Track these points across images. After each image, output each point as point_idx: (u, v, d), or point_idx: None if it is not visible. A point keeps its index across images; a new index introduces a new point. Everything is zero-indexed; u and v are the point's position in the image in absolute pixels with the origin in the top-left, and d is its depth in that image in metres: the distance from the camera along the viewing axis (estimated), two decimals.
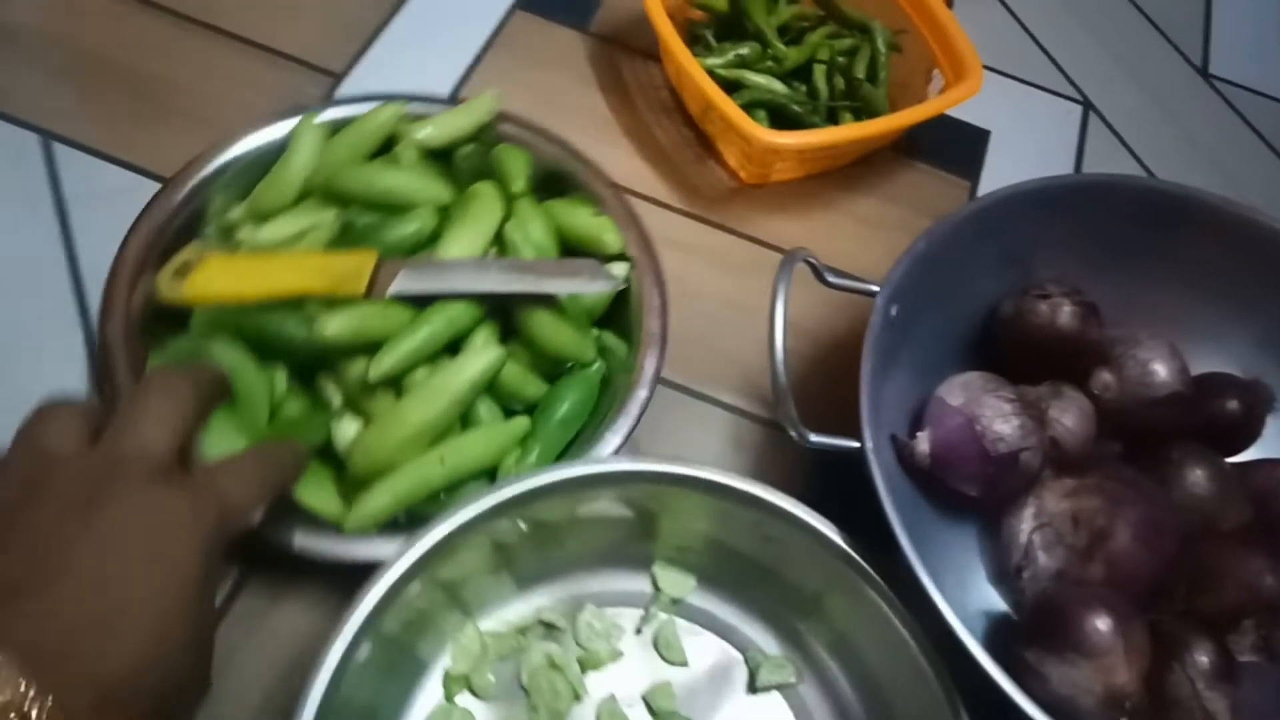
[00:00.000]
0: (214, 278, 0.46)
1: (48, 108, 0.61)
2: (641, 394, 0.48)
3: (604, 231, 0.52)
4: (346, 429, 0.46)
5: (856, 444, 0.43)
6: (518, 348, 0.49)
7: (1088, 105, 0.77)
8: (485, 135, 0.56)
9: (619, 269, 0.52)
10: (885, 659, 0.44)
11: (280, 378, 0.47)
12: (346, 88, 0.66)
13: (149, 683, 0.28)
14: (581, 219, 0.53)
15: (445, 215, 0.51)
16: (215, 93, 0.63)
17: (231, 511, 0.32)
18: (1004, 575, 0.50)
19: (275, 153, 0.52)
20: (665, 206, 0.64)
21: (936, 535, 0.51)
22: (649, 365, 0.50)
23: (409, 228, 0.50)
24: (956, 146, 0.71)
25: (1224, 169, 0.74)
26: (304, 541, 0.42)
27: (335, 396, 0.47)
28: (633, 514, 0.45)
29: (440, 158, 0.55)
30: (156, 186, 0.58)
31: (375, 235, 0.49)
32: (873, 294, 0.47)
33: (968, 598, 0.50)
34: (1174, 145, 0.75)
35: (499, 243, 0.51)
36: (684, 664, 0.46)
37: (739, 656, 0.47)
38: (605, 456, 0.45)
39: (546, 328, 0.49)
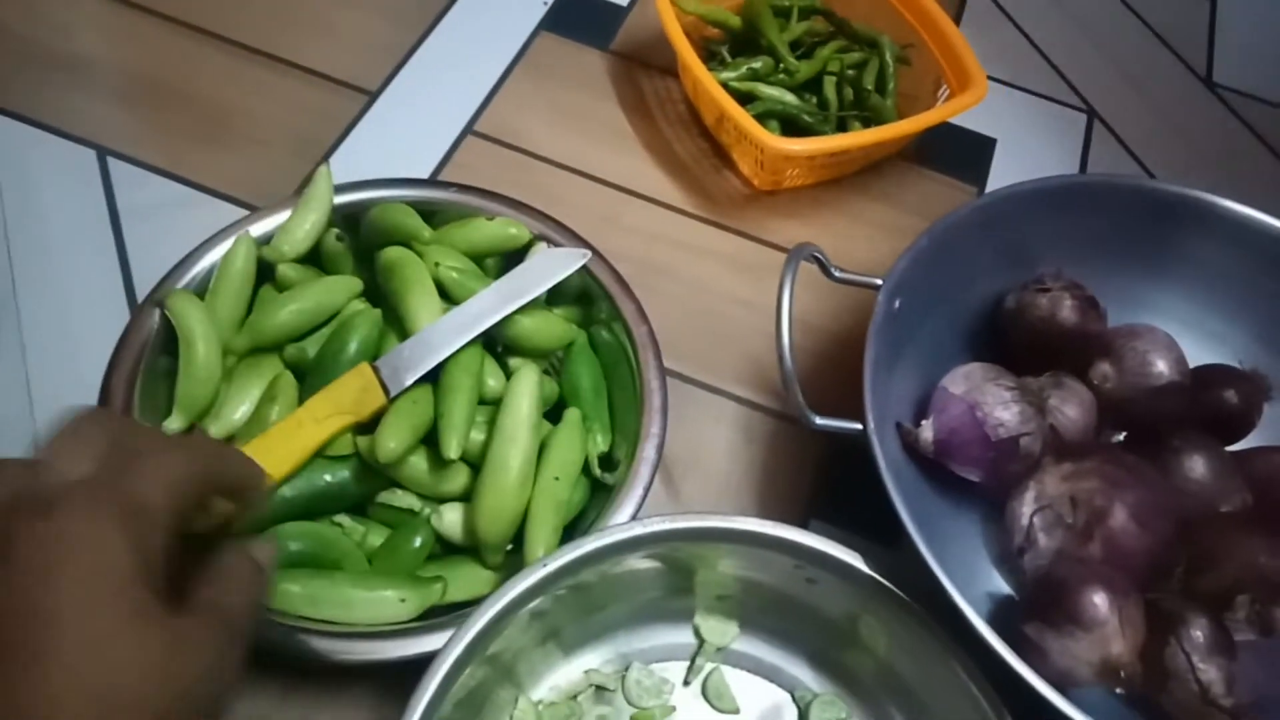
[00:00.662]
0: None
1: (105, 127, 0.65)
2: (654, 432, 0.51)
3: (508, 228, 0.55)
4: (449, 516, 0.47)
5: (859, 426, 0.45)
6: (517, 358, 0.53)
7: (1092, 113, 0.79)
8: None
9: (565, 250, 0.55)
10: (929, 683, 0.45)
11: (354, 530, 0.48)
12: (380, 105, 0.69)
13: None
14: (483, 230, 0.55)
15: (376, 298, 0.53)
16: (262, 112, 0.68)
17: (149, 509, 0.28)
18: (1007, 558, 0.52)
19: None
20: (682, 213, 0.67)
21: (942, 524, 0.53)
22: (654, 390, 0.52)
23: (359, 333, 0.50)
24: (964, 154, 0.73)
25: (1229, 175, 0.76)
26: (336, 647, 0.42)
27: (403, 500, 0.48)
28: (669, 569, 0.46)
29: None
30: (206, 199, 0.63)
31: (335, 357, 0.49)
32: (876, 287, 0.50)
33: (974, 582, 0.52)
34: (1178, 152, 0.77)
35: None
36: (735, 711, 0.47)
37: (787, 697, 0.48)
38: (638, 520, 0.44)
39: (537, 329, 0.52)
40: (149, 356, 0.50)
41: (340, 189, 0.56)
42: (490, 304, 0.50)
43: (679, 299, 0.62)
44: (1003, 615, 0.49)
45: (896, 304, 0.50)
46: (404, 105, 0.70)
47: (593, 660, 0.48)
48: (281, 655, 0.42)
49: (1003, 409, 0.49)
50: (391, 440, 0.45)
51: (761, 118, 0.65)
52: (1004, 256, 0.57)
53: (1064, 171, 0.74)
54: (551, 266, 0.52)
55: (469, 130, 0.69)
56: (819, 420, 0.45)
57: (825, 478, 0.57)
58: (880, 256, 0.65)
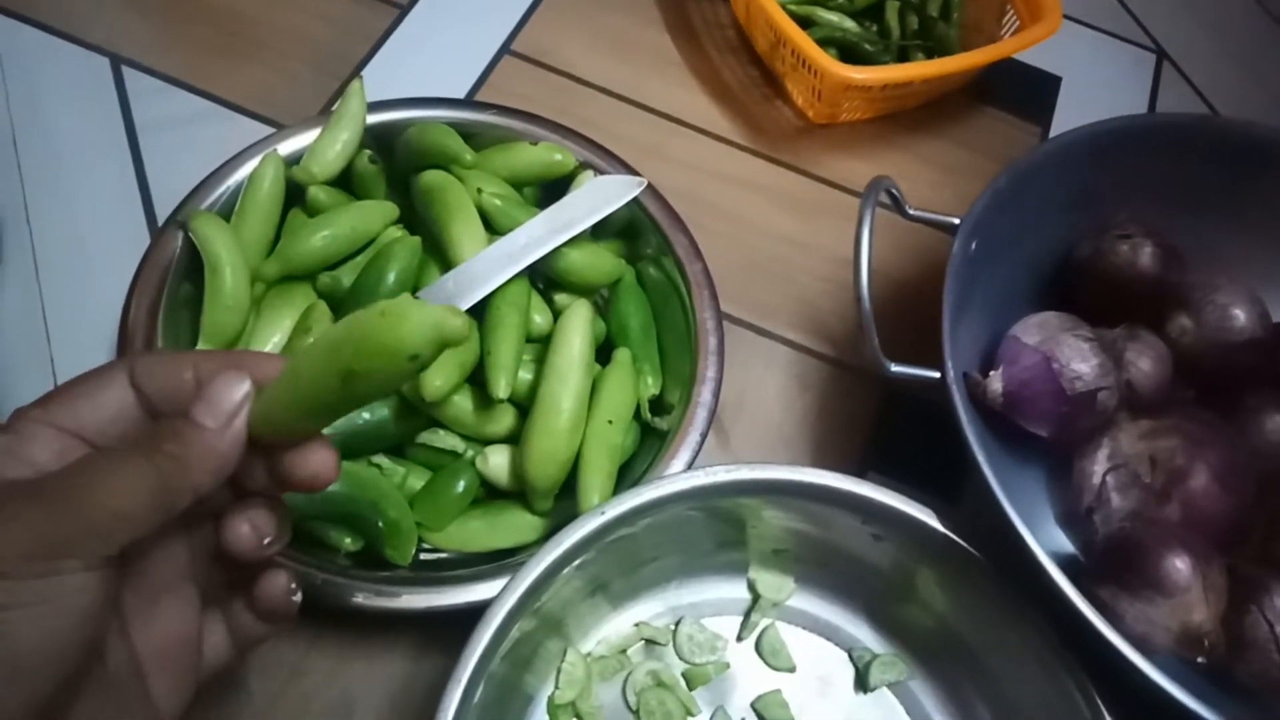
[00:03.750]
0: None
1: (119, 33, 0.61)
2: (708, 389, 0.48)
3: (552, 154, 0.52)
4: (495, 459, 0.45)
5: (936, 374, 0.43)
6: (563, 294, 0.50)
7: (1161, 53, 0.75)
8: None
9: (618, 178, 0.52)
10: (993, 644, 0.43)
11: (394, 471, 0.45)
12: (412, 20, 0.65)
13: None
14: (526, 155, 0.52)
15: (413, 225, 0.51)
16: (286, 23, 0.63)
17: (73, 512, 0.25)
18: (1073, 517, 0.49)
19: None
20: (732, 144, 0.63)
21: (1003, 479, 0.50)
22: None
23: (398, 262, 0.46)
24: (1028, 92, 0.70)
25: None
26: (376, 596, 0.40)
27: (445, 441, 0.46)
28: (721, 521, 0.44)
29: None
30: (228, 114, 0.59)
31: (373, 288, 0.46)
32: (953, 227, 0.46)
33: (1036, 540, 0.50)
34: (1250, 94, 0.73)
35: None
36: (791, 669, 0.45)
37: (843, 655, 0.46)
38: (701, 469, 0.41)
39: (587, 263, 0.49)
40: (172, 283, 0.47)
41: (372, 107, 0.52)
42: (539, 234, 0.47)
43: (727, 236, 0.59)
44: (1068, 576, 0.47)
45: (973, 246, 0.47)
46: (437, 20, 0.66)
47: (643, 614, 0.45)
48: (315, 603, 0.39)
49: (1080, 361, 0.47)
50: (438, 378, 0.42)
51: (819, 45, 0.60)
52: (1076, 200, 0.53)
53: (1131, 113, 0.70)
54: (604, 195, 0.49)
55: (506, 50, 0.65)
56: (895, 368, 0.43)
57: (881, 429, 0.54)
58: (942, 197, 0.61)
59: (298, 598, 0.32)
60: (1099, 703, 0.39)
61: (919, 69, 0.60)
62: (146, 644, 0.29)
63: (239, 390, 0.28)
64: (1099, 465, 0.48)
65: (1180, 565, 0.42)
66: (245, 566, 0.32)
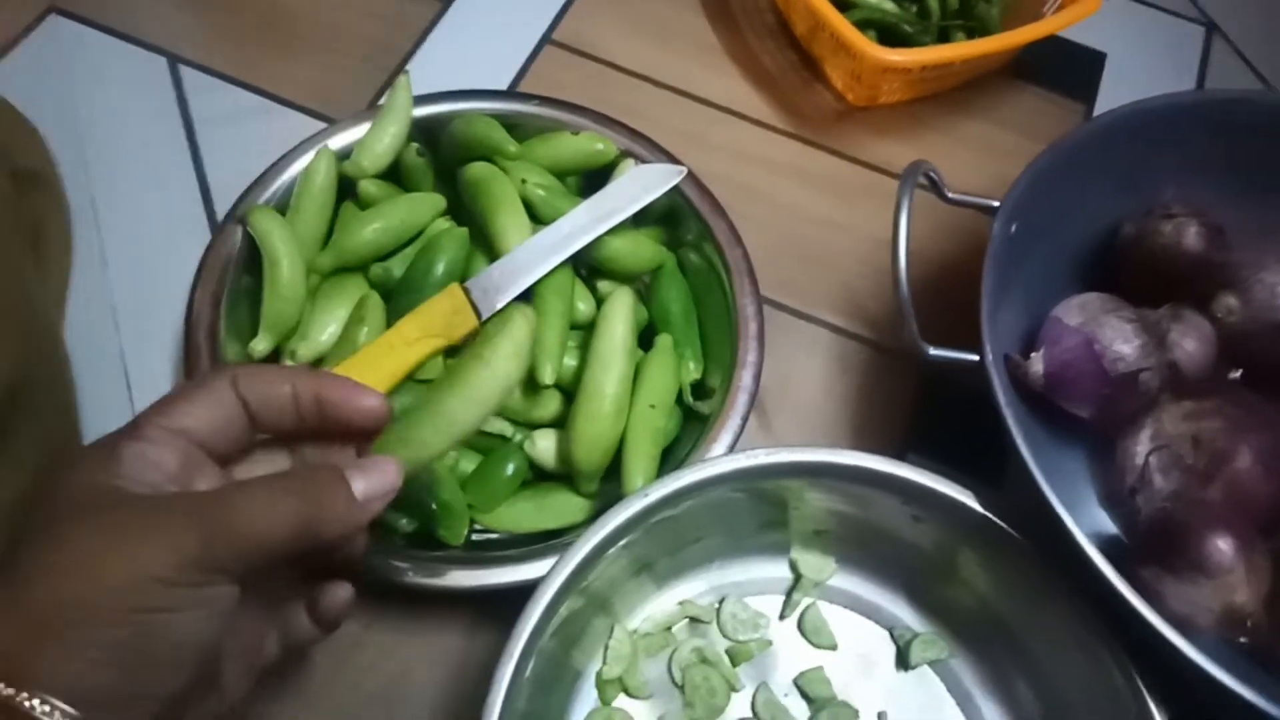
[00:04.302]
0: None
1: (175, 32, 0.63)
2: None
3: (594, 143, 0.53)
4: (542, 443, 0.46)
5: (975, 357, 0.43)
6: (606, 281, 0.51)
7: (1211, 26, 0.73)
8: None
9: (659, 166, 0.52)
10: (1034, 625, 0.44)
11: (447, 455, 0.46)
12: (455, 12, 0.66)
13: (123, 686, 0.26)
14: (568, 145, 0.53)
15: (459, 215, 0.52)
16: (333, 17, 0.65)
17: (228, 534, 0.28)
18: (1115, 498, 0.49)
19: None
20: (771, 129, 0.64)
21: (1044, 460, 0.50)
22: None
23: (447, 253, 0.48)
24: (1071, 70, 0.69)
25: None
26: (431, 574, 0.42)
27: (494, 426, 0.47)
28: (764, 502, 0.45)
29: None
30: (279, 108, 0.61)
31: (423, 278, 0.48)
32: (993, 210, 0.47)
33: (1077, 522, 0.50)
34: None
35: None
36: (833, 648, 0.46)
37: (885, 634, 0.47)
38: (743, 452, 0.42)
39: (629, 250, 0.50)
40: (233, 275, 0.49)
41: (417, 100, 0.54)
42: (582, 223, 0.48)
43: (767, 220, 0.59)
44: (1110, 557, 0.47)
45: (1013, 229, 0.47)
46: (479, 12, 0.67)
47: (687, 592, 0.47)
48: (374, 581, 0.41)
49: (1123, 342, 0.47)
50: None
51: (858, 26, 0.60)
52: (1119, 180, 0.53)
53: (1178, 90, 0.69)
54: (645, 184, 0.50)
55: (547, 39, 0.66)
56: (933, 351, 0.43)
57: (921, 411, 0.54)
58: (983, 179, 0.61)
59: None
60: (1139, 682, 0.39)
61: (958, 50, 0.60)
62: (226, 641, 0.31)
63: (393, 482, 0.33)
64: (1142, 446, 0.48)
65: (1223, 546, 0.42)
66: (311, 575, 0.35)
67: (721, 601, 0.46)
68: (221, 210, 0.56)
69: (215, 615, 0.28)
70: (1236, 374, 0.52)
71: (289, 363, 0.47)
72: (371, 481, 0.32)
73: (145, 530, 0.27)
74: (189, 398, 0.31)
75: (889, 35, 0.63)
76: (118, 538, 0.27)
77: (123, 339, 0.53)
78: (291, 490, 0.30)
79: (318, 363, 0.47)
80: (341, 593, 0.35)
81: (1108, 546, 0.48)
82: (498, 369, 0.34)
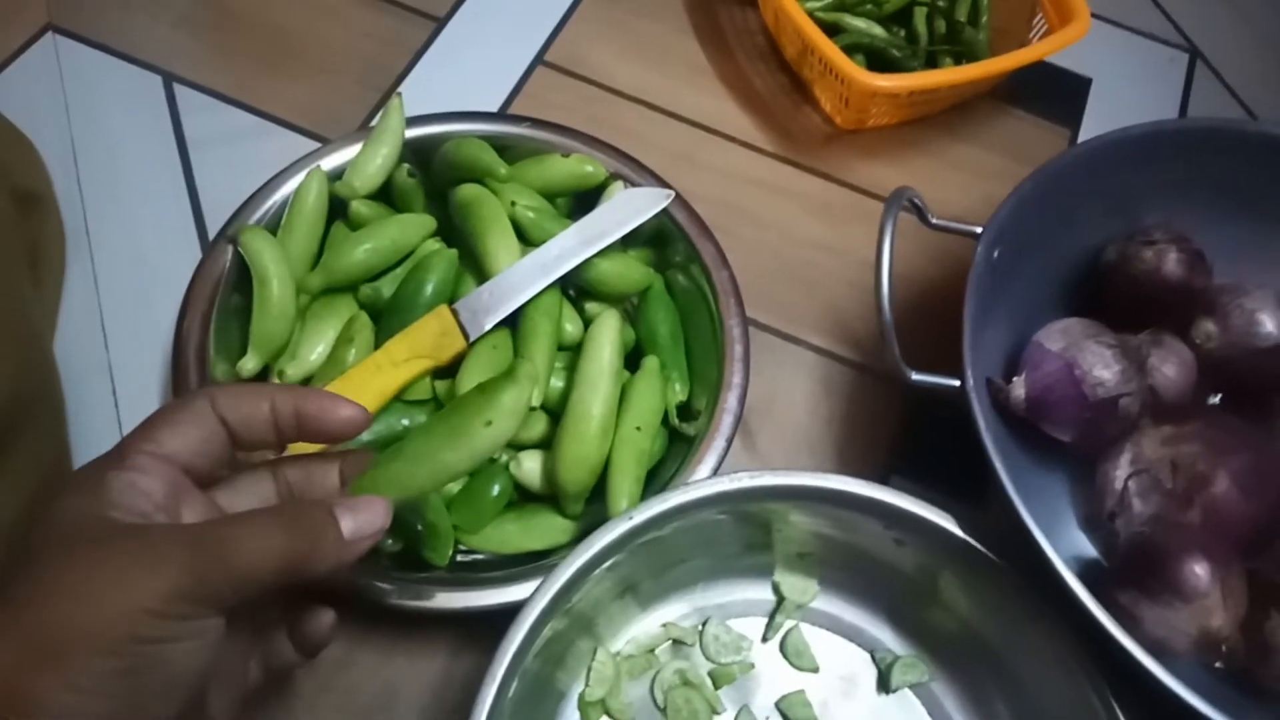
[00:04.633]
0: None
1: (170, 51, 0.64)
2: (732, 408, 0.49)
3: (583, 165, 0.53)
4: (528, 464, 0.47)
5: (956, 382, 0.43)
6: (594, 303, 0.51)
7: (1195, 53, 0.74)
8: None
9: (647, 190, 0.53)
10: (1015, 647, 0.44)
11: None
12: (449, 33, 0.67)
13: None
14: (558, 167, 0.54)
15: (449, 236, 0.52)
16: (327, 38, 0.66)
17: (220, 568, 0.28)
18: (1095, 522, 0.50)
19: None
20: (760, 151, 0.64)
21: (1026, 483, 0.51)
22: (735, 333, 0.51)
23: (436, 274, 0.49)
24: (1057, 94, 0.70)
25: None
26: (415, 596, 0.42)
27: None
28: (748, 525, 0.45)
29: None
30: (273, 128, 0.61)
31: (412, 299, 0.48)
32: (975, 235, 0.47)
33: (1058, 545, 0.49)
34: None
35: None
36: (815, 670, 0.46)
37: (867, 657, 0.47)
38: (727, 475, 0.43)
39: (616, 273, 0.51)
40: (223, 294, 0.49)
41: (410, 122, 0.54)
42: (571, 246, 0.48)
43: (756, 242, 0.60)
44: (1089, 580, 0.48)
45: (995, 254, 0.48)
46: (473, 32, 0.67)
47: (670, 614, 0.47)
48: (358, 602, 0.42)
49: (1103, 367, 0.47)
50: (469, 382, 0.44)
51: (847, 51, 0.61)
52: (1103, 205, 0.54)
53: (1162, 115, 0.70)
54: (634, 207, 0.50)
55: (539, 60, 0.67)
56: (915, 375, 0.44)
57: (906, 433, 0.55)
58: (970, 202, 0.62)
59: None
60: (1115, 708, 0.39)
61: (945, 75, 0.60)
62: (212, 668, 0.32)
63: (382, 522, 0.33)
64: (1121, 470, 0.48)
65: (1199, 570, 0.42)
66: (292, 602, 0.35)
67: (704, 624, 0.47)
68: (213, 229, 0.57)
69: (206, 646, 0.28)
70: (1215, 399, 0.53)
71: (276, 382, 0.48)
72: (360, 521, 0.32)
73: (139, 562, 0.27)
74: (171, 421, 0.31)
75: (877, 60, 0.64)
76: (112, 569, 0.27)
77: (112, 356, 0.53)
78: (283, 527, 0.30)
79: (306, 382, 0.47)
80: (324, 619, 0.35)
81: (1087, 570, 0.49)
82: (499, 428, 0.34)
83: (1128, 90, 0.71)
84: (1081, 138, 0.68)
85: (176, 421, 0.31)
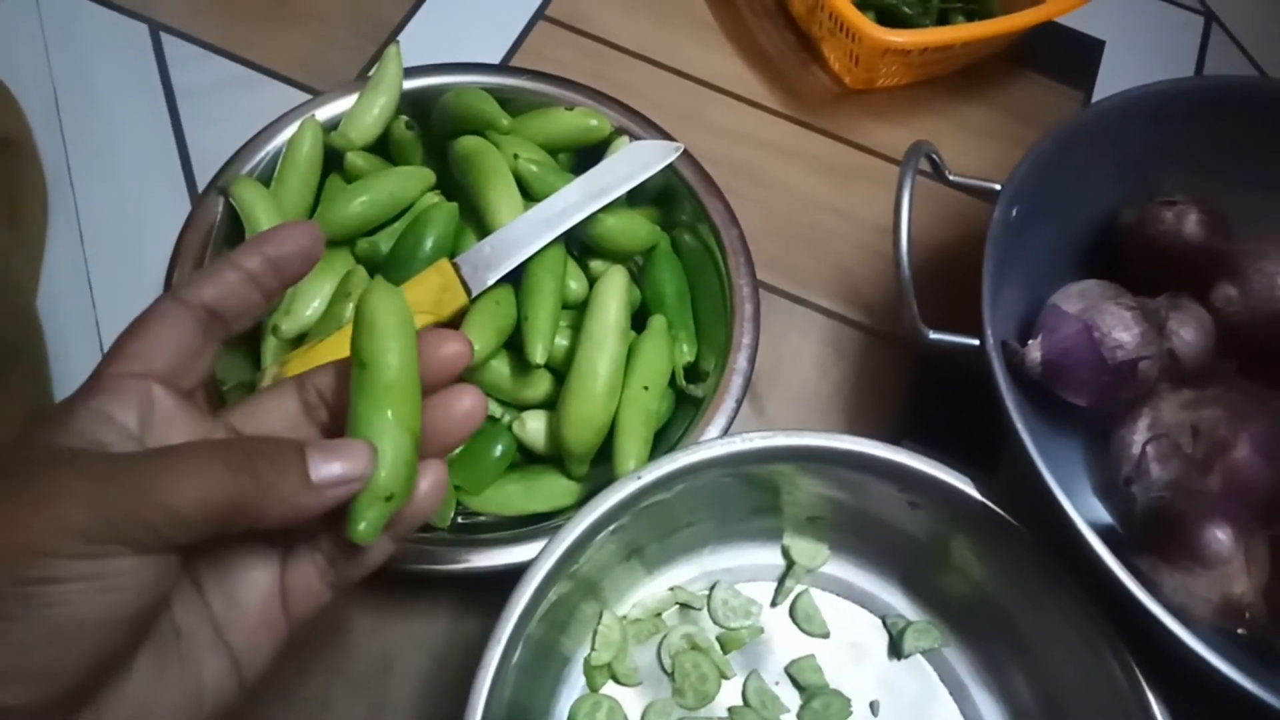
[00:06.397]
0: None
1: (156, 0, 0.61)
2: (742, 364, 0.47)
3: (588, 119, 0.52)
4: (531, 423, 0.45)
5: (975, 341, 0.42)
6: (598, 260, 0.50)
7: (1210, 16, 0.73)
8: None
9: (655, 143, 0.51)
10: (1030, 612, 0.43)
11: None
12: None
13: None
14: (562, 121, 0.52)
15: (449, 191, 0.50)
16: None
17: (133, 504, 0.24)
18: (1111, 488, 0.49)
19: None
20: (768, 111, 0.63)
21: (1040, 449, 0.50)
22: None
23: (436, 228, 0.47)
24: (1070, 56, 0.68)
25: None
26: (418, 557, 0.41)
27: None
28: (756, 488, 0.44)
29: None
30: (264, 79, 0.59)
31: (411, 253, 0.46)
32: (994, 193, 0.46)
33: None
34: None
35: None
36: (825, 635, 0.45)
37: (878, 622, 0.46)
38: (738, 435, 0.41)
39: (623, 229, 0.49)
40: (213, 247, 0.47)
41: (407, 73, 0.52)
42: (576, 200, 0.46)
43: (763, 203, 0.59)
44: (1106, 546, 0.47)
45: (1014, 212, 0.46)
46: None
47: (677, 578, 0.46)
48: None
49: (1122, 330, 0.46)
50: (476, 342, 0.42)
51: (857, 8, 0.59)
52: (1121, 166, 0.52)
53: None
54: (640, 161, 0.48)
55: (540, 15, 0.65)
56: (933, 335, 0.42)
57: (916, 398, 0.54)
58: (981, 164, 0.60)
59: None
60: (1136, 671, 0.38)
61: (959, 32, 0.59)
62: (222, 603, 0.29)
63: (362, 469, 0.27)
64: (1139, 435, 0.47)
65: (1222, 536, 0.41)
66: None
67: (713, 588, 0.45)
68: (202, 181, 0.54)
69: (118, 589, 0.24)
70: (1235, 364, 0.52)
71: (271, 338, 0.46)
72: (334, 465, 0.27)
73: (40, 497, 0.24)
74: (139, 332, 0.28)
75: (887, 17, 0.62)
76: (12, 504, 0.24)
77: (98, 312, 0.51)
78: (227, 462, 0.25)
79: (301, 338, 0.46)
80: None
81: (1103, 537, 0.48)
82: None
83: (1142, 54, 0.69)
84: (1094, 99, 0.66)
85: (144, 330, 0.28)
